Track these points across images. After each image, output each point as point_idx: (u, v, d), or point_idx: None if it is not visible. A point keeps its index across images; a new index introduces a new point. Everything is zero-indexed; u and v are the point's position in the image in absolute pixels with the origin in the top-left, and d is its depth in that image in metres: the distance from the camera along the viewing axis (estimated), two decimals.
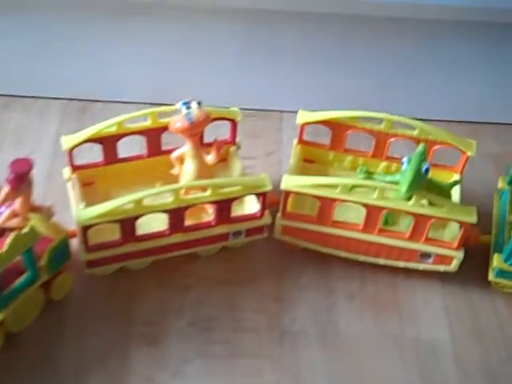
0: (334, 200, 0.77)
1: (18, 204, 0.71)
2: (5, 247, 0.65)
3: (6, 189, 0.69)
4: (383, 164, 0.88)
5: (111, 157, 0.84)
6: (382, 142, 0.86)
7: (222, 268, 0.84)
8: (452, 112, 1.05)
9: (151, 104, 0.95)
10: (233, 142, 0.88)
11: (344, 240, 0.81)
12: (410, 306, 0.82)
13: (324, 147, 0.89)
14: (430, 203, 0.76)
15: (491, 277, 0.81)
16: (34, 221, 0.71)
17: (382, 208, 0.76)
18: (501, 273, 0.80)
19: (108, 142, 0.82)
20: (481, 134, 1.04)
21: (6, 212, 0.72)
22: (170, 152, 0.83)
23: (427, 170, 0.73)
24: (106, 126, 0.80)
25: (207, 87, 0.96)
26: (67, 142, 0.80)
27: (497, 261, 0.79)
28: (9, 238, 0.65)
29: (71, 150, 0.80)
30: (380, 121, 0.85)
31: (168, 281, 0.82)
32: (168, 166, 0.83)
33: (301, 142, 0.89)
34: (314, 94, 1.01)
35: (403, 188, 0.72)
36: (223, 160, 0.88)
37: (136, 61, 1.00)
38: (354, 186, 0.78)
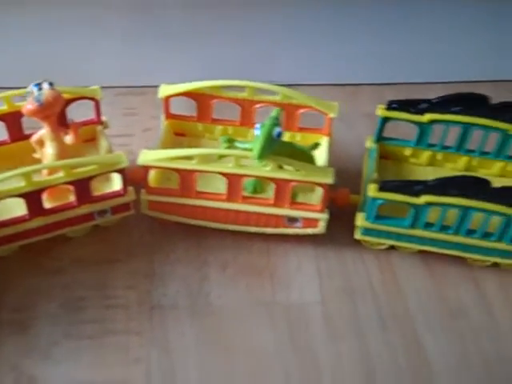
0: (192, 171, 0.77)
1: None
2: None
3: None
4: (252, 131, 0.89)
5: None
6: (248, 109, 0.87)
7: (94, 248, 0.84)
8: (331, 75, 1.06)
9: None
10: (98, 120, 0.88)
11: (211, 210, 0.82)
12: (283, 272, 0.84)
13: (191, 119, 0.90)
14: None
15: (357, 235, 0.83)
16: None
17: (240, 175, 0.78)
18: (366, 231, 0.82)
19: None
20: (360, 95, 1.06)
21: None
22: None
23: (279, 134, 0.74)
24: None
25: (82, 67, 0.95)
26: None
27: (359, 220, 0.81)
28: None
29: None
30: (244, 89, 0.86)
31: (39, 265, 0.82)
32: (32, 151, 0.83)
33: (168, 116, 0.89)
34: (190, 68, 1.02)
35: (255, 153, 0.74)
36: (91, 140, 0.88)
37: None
38: (221, 156, 0.79)
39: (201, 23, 0.99)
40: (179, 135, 0.91)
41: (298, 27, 1.02)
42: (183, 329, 0.77)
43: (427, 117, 0.84)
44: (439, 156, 0.89)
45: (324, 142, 0.88)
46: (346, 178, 0.88)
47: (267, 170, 0.77)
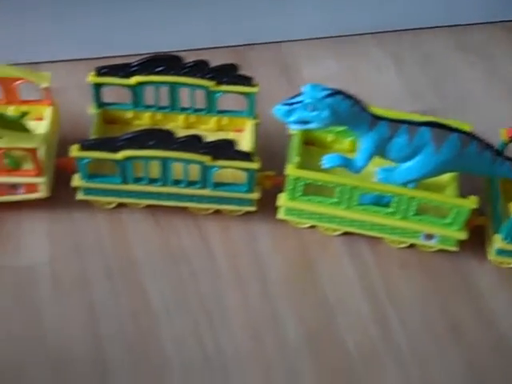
0: None
1: None
2: None
3: None
4: None
5: None
6: None
7: None
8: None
9: None
10: None
11: None
12: (15, 237, 0.90)
13: None
14: None
15: (79, 196, 0.91)
16: None
17: None
18: (86, 191, 0.91)
19: None
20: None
21: None
22: None
23: None
24: None
25: None
26: None
27: (75, 180, 0.89)
28: None
29: None
30: None
31: None
32: None
33: None
34: None
35: None
36: None
37: None
38: None
39: None
40: None
41: None
42: None
43: (134, 79, 0.92)
44: (158, 116, 0.97)
45: (48, 112, 0.95)
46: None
47: None
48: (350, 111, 0.80)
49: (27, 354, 0.80)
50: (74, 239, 0.91)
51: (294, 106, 0.80)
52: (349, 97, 0.80)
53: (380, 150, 0.83)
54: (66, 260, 0.89)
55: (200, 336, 0.83)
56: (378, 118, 0.82)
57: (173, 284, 0.87)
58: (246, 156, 0.85)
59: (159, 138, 0.84)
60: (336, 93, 0.80)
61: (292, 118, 0.81)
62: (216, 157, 0.85)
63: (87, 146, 0.85)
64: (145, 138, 0.84)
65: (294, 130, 0.87)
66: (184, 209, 0.93)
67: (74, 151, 0.85)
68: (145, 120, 0.98)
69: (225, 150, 0.84)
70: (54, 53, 1.12)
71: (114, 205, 0.93)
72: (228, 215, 0.94)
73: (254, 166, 0.86)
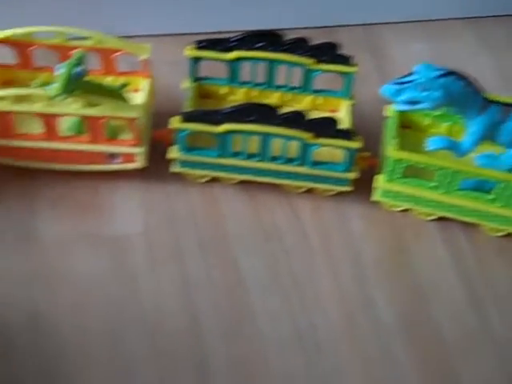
0: (4, 112, 0.84)
1: None
2: None
3: None
4: None
5: None
6: (64, 55, 0.93)
7: None
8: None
9: None
10: None
11: (33, 151, 0.89)
12: (110, 207, 0.92)
13: (16, 67, 0.96)
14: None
15: (175, 168, 0.92)
16: None
17: (51, 115, 0.85)
18: (182, 163, 0.91)
19: None
20: None
21: None
22: None
23: (80, 73, 0.82)
24: None
25: None
26: None
27: (173, 152, 0.90)
28: None
29: None
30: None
31: None
32: None
33: None
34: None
35: (53, 91, 0.81)
36: None
37: None
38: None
39: None
40: (8, 83, 0.97)
41: None
42: (11, 260, 0.85)
43: (233, 54, 0.92)
44: (254, 93, 0.97)
45: (145, 84, 0.95)
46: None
47: (75, 107, 0.84)
48: (463, 92, 0.79)
49: (124, 320, 0.81)
50: (167, 211, 0.92)
51: (405, 85, 0.79)
52: (463, 77, 0.79)
53: (489, 134, 0.82)
54: (159, 231, 0.90)
55: (293, 313, 0.83)
56: (490, 101, 0.81)
57: (265, 260, 0.88)
58: (347, 135, 0.85)
59: (262, 112, 0.84)
60: (450, 73, 0.79)
61: (401, 98, 0.81)
62: (318, 134, 0.85)
63: (188, 117, 0.85)
64: (247, 113, 0.84)
65: (402, 109, 0.86)
66: (276, 186, 0.93)
67: (175, 122, 0.86)
68: (239, 96, 0.98)
69: (327, 127, 0.84)
70: (143, 27, 1.12)
71: (207, 179, 0.94)
72: (320, 194, 0.94)
73: (355, 145, 0.85)
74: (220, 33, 1.00)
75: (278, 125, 0.84)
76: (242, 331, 0.81)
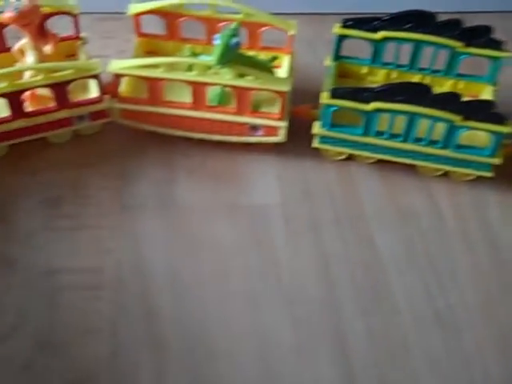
0: (158, 79, 0.87)
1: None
2: None
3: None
4: None
5: None
6: (213, 27, 0.96)
7: (72, 153, 0.94)
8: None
9: None
10: (77, 36, 0.97)
11: (177, 119, 0.92)
12: (247, 177, 0.94)
13: (162, 38, 0.99)
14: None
15: (315, 143, 0.93)
16: None
17: (203, 83, 0.87)
18: (323, 139, 0.92)
19: None
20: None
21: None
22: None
23: (237, 44, 0.84)
24: None
25: None
26: None
27: (316, 128, 0.91)
28: None
29: None
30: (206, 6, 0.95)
31: (20, 167, 0.92)
32: (14, 62, 0.92)
33: (139, 34, 0.98)
34: None
35: (213, 60, 0.83)
36: (72, 55, 0.97)
37: None
38: (190, 68, 0.88)
39: None
40: (151, 53, 1.00)
41: None
42: (152, 224, 0.88)
43: (380, 34, 0.92)
44: (394, 74, 0.98)
45: (286, 59, 0.97)
46: (309, 97, 0.95)
47: (228, 77, 0.86)
48: None
49: (263, 288, 0.83)
50: (303, 185, 0.94)
51: None
52: None
53: None
54: (296, 204, 0.91)
55: (429, 293, 0.83)
56: None
57: (401, 240, 0.88)
58: (499, 119, 0.84)
59: (414, 92, 0.84)
60: None
61: None
62: (467, 117, 0.85)
63: (338, 94, 0.86)
64: (399, 91, 0.84)
65: None
66: (411, 167, 0.94)
67: (325, 98, 0.87)
68: (379, 77, 0.98)
69: (479, 110, 0.84)
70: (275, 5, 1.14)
71: (343, 156, 0.95)
72: (457, 179, 0.93)
73: (506, 129, 0.85)
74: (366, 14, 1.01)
75: (429, 105, 0.84)
76: (380, 307, 0.82)
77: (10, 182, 0.90)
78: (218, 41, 0.84)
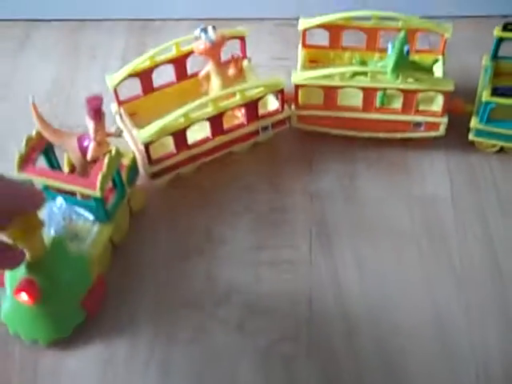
0: (336, 87, 1.00)
1: (99, 134, 0.89)
2: (104, 168, 0.87)
3: (92, 124, 0.87)
4: (376, 55, 1.09)
5: (148, 88, 1.06)
6: (373, 36, 1.08)
7: (260, 159, 1.08)
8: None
9: (203, 20, 1.09)
10: (244, 56, 1.09)
11: (349, 120, 1.04)
12: (418, 171, 1.05)
13: (325, 48, 1.11)
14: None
15: (471, 137, 1.04)
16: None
17: (375, 89, 0.99)
18: (478, 132, 1.03)
19: (144, 75, 1.05)
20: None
21: (92, 144, 0.90)
22: (193, 75, 1.07)
23: (408, 52, 0.95)
24: (142, 61, 1.03)
25: None
26: (111, 80, 1.02)
27: (473, 122, 1.02)
28: (106, 160, 0.87)
29: (116, 87, 1.02)
30: (368, 18, 1.07)
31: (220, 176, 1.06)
32: (195, 87, 1.06)
33: (304, 46, 1.11)
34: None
35: (390, 67, 0.94)
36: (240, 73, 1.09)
37: None
38: (354, 75, 1.00)
39: None
40: (313, 62, 1.12)
41: None
42: (338, 210, 1.00)
43: None
44: None
45: (440, 60, 1.08)
46: (462, 93, 1.05)
47: (398, 82, 0.98)
48: None
49: (438, 272, 0.93)
50: (470, 179, 1.03)
51: None
52: None
53: None
54: (464, 195, 1.01)
55: None
56: None
57: None
58: None
59: None
60: None
61: None
62: None
63: (500, 91, 0.97)
64: None
65: None
66: None
67: (486, 96, 0.98)
68: None
69: None
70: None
71: (497, 148, 1.05)
72: None
73: None
74: None
75: None
76: None
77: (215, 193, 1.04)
78: (391, 50, 0.95)
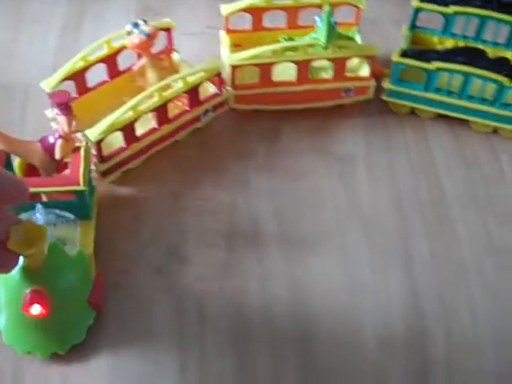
0: (271, 63, 1.05)
1: (66, 129, 0.88)
2: (82, 160, 0.88)
3: (64, 119, 0.87)
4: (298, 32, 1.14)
5: (82, 89, 1.06)
6: (293, 15, 1.14)
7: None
8: None
9: None
10: (171, 47, 1.11)
11: (284, 95, 1.09)
12: (340, 134, 1.12)
13: (248, 31, 1.16)
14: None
15: (383, 96, 1.11)
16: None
17: (309, 61, 1.05)
18: (390, 93, 1.11)
19: (78, 76, 1.04)
20: None
21: (59, 142, 0.88)
22: (125, 71, 1.08)
23: (335, 24, 1.02)
24: (74, 62, 1.03)
25: None
26: (47, 84, 1.00)
27: (386, 83, 1.10)
28: (81, 153, 0.88)
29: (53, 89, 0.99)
30: None
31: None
32: (128, 83, 1.07)
33: (228, 31, 1.16)
34: None
35: (323, 40, 1.01)
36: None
37: None
38: (283, 50, 1.06)
39: None
40: (237, 46, 1.16)
41: None
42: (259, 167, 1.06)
43: (452, 8, 1.11)
44: (461, 44, 1.15)
45: (355, 31, 1.16)
46: (383, 61, 1.13)
47: (329, 52, 1.05)
48: None
49: (348, 221, 1.00)
50: (383, 137, 1.11)
51: None
52: None
53: None
54: (377, 154, 1.09)
55: (487, 226, 1.00)
56: None
57: (465, 183, 1.05)
58: None
59: (471, 55, 1.04)
60: None
61: None
62: None
63: (408, 54, 1.06)
64: (459, 54, 1.04)
65: None
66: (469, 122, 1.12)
67: (395, 57, 1.06)
68: (447, 45, 1.15)
69: None
70: None
71: (407, 109, 1.12)
72: (504, 135, 1.11)
73: None
74: None
75: (483, 67, 1.03)
76: (443, 234, 0.99)
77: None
78: (319, 23, 1.02)
